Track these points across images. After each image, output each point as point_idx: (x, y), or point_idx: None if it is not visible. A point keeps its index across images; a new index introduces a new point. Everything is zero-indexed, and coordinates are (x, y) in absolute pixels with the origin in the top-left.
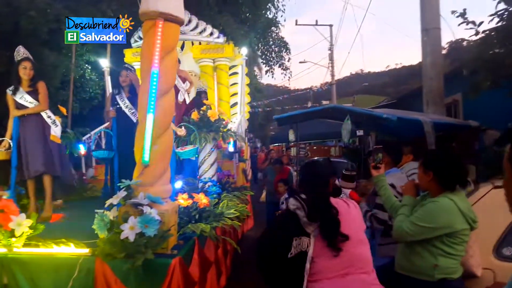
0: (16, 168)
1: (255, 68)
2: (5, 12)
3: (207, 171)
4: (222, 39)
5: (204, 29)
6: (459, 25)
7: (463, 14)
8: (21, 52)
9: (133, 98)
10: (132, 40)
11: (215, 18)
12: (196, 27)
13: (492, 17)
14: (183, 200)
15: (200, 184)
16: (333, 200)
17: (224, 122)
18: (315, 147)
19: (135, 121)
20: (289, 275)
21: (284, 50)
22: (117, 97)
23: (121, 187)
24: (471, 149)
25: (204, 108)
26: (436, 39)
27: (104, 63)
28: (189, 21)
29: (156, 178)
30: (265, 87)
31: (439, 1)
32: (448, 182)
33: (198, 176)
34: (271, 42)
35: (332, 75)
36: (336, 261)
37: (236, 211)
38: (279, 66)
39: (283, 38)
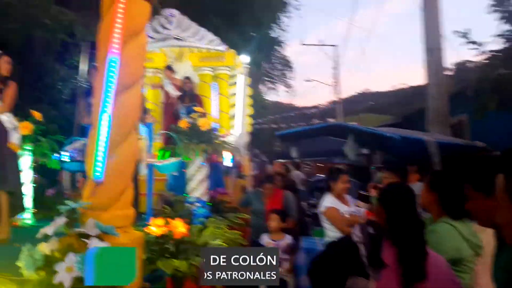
0: None
1: (261, 86)
2: (18, 27)
3: (196, 189)
4: (222, 47)
5: (204, 36)
6: (462, 45)
7: (465, 34)
8: None
9: None
10: None
11: (221, 36)
12: (196, 33)
13: (496, 38)
14: (155, 228)
15: (184, 206)
16: None
17: (221, 134)
18: (320, 165)
19: None
20: None
21: (287, 69)
22: None
23: (62, 210)
24: None
25: (195, 115)
26: (439, 59)
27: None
28: (188, 27)
29: (112, 200)
30: (271, 104)
31: (441, 21)
32: (453, 208)
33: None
34: (275, 61)
35: (337, 94)
36: None
37: (224, 241)
38: (283, 84)
39: (286, 57)
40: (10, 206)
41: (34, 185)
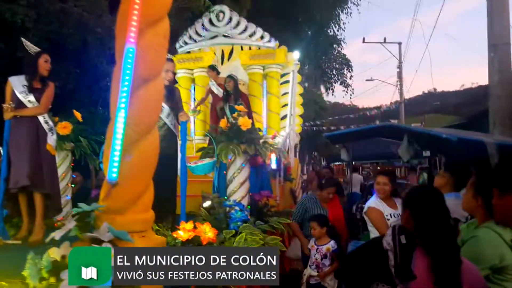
0: (5, 180)
1: (321, 86)
2: (73, 31)
3: (236, 191)
4: (273, 43)
5: (254, 32)
6: None
7: None
8: (29, 45)
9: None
10: (177, 45)
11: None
12: (245, 30)
13: None
14: (183, 232)
15: (222, 209)
16: None
17: (269, 134)
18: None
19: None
20: None
21: (345, 68)
22: None
23: (74, 213)
24: None
25: (235, 114)
26: (505, 55)
27: None
28: (238, 24)
29: (129, 203)
30: (331, 105)
31: (509, 14)
32: None
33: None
34: (333, 60)
35: (401, 94)
36: None
37: None
38: (340, 84)
39: (345, 55)
40: (46, 208)
41: (73, 185)
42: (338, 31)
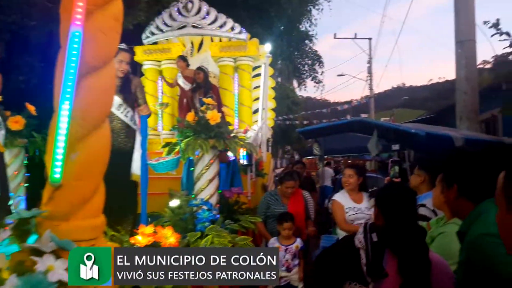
0: None
1: (294, 81)
2: (38, 23)
3: (204, 189)
4: (244, 35)
5: (225, 23)
6: (492, 36)
7: (496, 25)
8: None
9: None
10: (143, 36)
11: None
12: (215, 20)
13: None
14: (141, 237)
15: (188, 209)
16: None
17: (241, 128)
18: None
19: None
20: None
21: (317, 63)
22: None
23: (11, 219)
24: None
25: (203, 107)
26: (471, 51)
27: None
28: (207, 14)
29: (75, 207)
30: (304, 100)
31: (474, 12)
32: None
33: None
34: (305, 55)
35: (371, 89)
36: None
37: None
38: (312, 79)
39: (316, 51)
40: None
41: (26, 185)
42: (310, 26)
